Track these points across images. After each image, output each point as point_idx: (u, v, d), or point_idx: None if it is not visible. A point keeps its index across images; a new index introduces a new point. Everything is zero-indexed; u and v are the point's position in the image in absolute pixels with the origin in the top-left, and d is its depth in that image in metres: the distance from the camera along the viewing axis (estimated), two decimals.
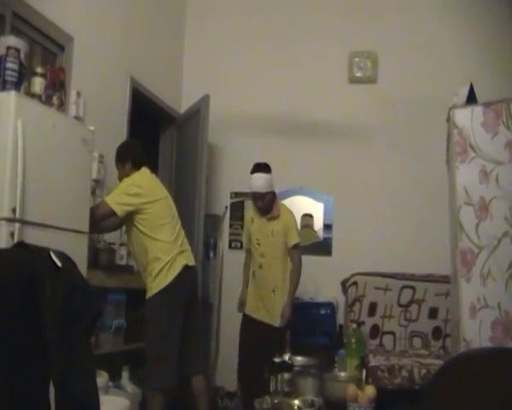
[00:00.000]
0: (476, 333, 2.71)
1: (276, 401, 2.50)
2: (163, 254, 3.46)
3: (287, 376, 2.69)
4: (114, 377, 3.59)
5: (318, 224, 5.30)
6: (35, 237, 2.52)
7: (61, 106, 3.13)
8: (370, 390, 2.42)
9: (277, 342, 3.79)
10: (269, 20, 5.56)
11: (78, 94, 3.77)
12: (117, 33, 4.43)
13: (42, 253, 1.57)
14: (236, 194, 5.44)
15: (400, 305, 4.75)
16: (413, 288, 4.75)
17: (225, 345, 5.20)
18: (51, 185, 2.84)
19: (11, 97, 2.62)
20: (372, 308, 4.75)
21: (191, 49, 5.74)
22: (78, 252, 2.86)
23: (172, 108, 5.41)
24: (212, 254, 5.37)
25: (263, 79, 5.48)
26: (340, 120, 5.37)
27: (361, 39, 5.35)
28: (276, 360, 2.73)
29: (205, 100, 4.92)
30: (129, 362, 3.81)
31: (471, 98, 3.08)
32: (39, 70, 3.03)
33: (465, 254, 2.80)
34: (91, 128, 3.28)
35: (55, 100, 3.05)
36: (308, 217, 5.29)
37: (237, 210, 5.42)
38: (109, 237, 3.94)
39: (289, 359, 2.75)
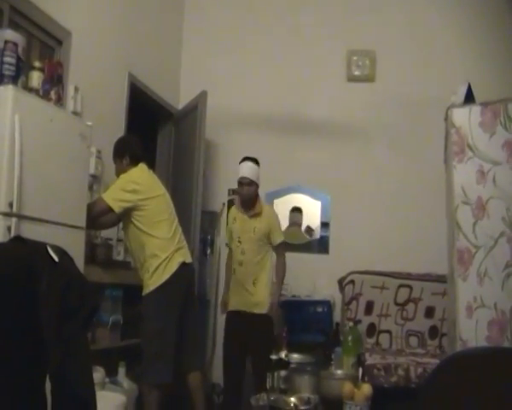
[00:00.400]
0: (472, 332, 2.71)
1: (272, 398, 2.50)
2: (160, 250, 3.46)
3: (283, 373, 2.70)
4: (111, 372, 3.58)
5: (315, 222, 5.30)
6: (32, 232, 2.51)
7: (59, 101, 3.12)
8: (367, 388, 2.43)
9: (261, 332, 3.82)
10: (267, 17, 5.56)
11: (76, 89, 3.76)
12: (115, 29, 4.42)
13: (39, 247, 1.56)
14: (234, 191, 5.41)
15: (397, 304, 4.75)
16: (410, 287, 4.76)
17: (222, 342, 5.18)
18: (48, 180, 2.83)
19: (9, 91, 2.61)
20: (369, 307, 4.76)
21: (189, 45, 5.73)
22: (75, 247, 2.86)
23: (170, 104, 5.40)
24: (209, 251, 5.37)
25: (261, 76, 5.48)
26: (337, 119, 5.38)
27: (359, 38, 5.35)
28: (273, 357, 2.73)
29: (202, 96, 4.92)
30: (125, 358, 3.81)
31: (469, 98, 3.08)
32: (37, 64, 3.02)
33: (462, 254, 2.81)
34: (89, 123, 3.27)
35: (52, 94, 3.04)
36: (297, 212, 5.27)
37: None
38: (106, 232, 3.93)
39: (286, 356, 2.76)
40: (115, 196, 3.43)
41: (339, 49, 5.38)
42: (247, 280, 4.06)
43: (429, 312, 4.67)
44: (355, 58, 5.38)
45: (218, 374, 5.10)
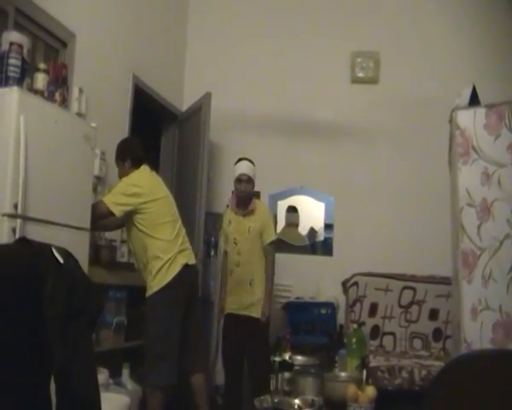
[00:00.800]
0: (477, 335, 2.70)
1: (276, 400, 2.50)
2: (163, 252, 3.46)
3: (287, 375, 2.70)
4: (115, 374, 3.59)
5: (319, 223, 5.30)
6: (37, 233, 2.51)
7: (64, 102, 3.12)
8: (371, 391, 2.43)
9: (257, 335, 3.84)
10: (271, 19, 5.56)
11: (81, 91, 3.76)
12: (119, 30, 4.43)
13: (44, 249, 1.57)
14: None
15: (401, 306, 4.75)
16: (414, 289, 4.75)
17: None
18: (53, 182, 2.83)
19: (14, 93, 2.61)
20: (373, 309, 4.75)
21: (193, 47, 5.74)
22: (80, 248, 2.86)
23: (174, 106, 5.40)
24: (212, 253, 5.35)
25: (265, 77, 5.47)
26: (341, 120, 5.37)
27: (363, 39, 5.35)
28: (277, 359, 2.73)
29: (206, 98, 4.91)
30: (129, 359, 3.81)
31: (474, 100, 3.07)
32: (42, 66, 3.02)
33: (467, 256, 2.80)
34: (93, 125, 3.28)
35: (57, 96, 3.04)
36: (292, 213, 5.27)
37: None
38: (110, 233, 3.94)
39: (290, 358, 2.76)
40: (116, 200, 3.43)
41: (343, 51, 5.37)
42: (244, 280, 4.09)
43: (433, 314, 4.66)
44: (359, 60, 5.38)
45: (221, 376, 5.10)
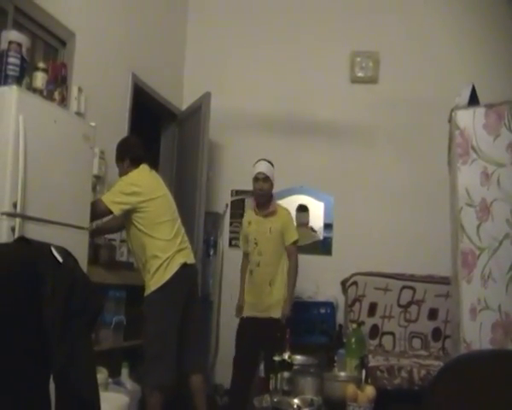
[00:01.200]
0: (476, 335, 2.71)
1: (275, 399, 2.50)
2: (161, 252, 3.46)
3: (286, 375, 2.69)
4: (114, 373, 3.59)
5: (319, 223, 5.30)
6: (36, 233, 2.51)
7: (63, 101, 3.12)
8: (370, 390, 2.42)
9: (275, 337, 3.81)
10: (271, 19, 5.55)
11: (80, 90, 3.76)
12: (119, 29, 4.43)
13: (43, 248, 1.57)
14: (237, 192, 5.43)
15: (400, 305, 4.75)
16: (413, 288, 4.75)
17: (225, 343, 5.19)
18: (52, 181, 2.83)
19: (13, 92, 2.61)
20: (372, 308, 4.75)
21: (193, 46, 5.73)
22: (79, 248, 2.86)
23: (174, 105, 5.40)
24: (212, 252, 5.37)
25: (264, 77, 5.47)
26: (341, 120, 5.37)
27: (363, 39, 5.34)
28: (276, 358, 2.73)
29: (206, 97, 4.91)
30: (128, 359, 3.81)
31: (473, 100, 3.08)
32: (41, 65, 3.02)
33: (466, 256, 2.80)
34: (92, 124, 3.27)
35: (56, 95, 3.04)
36: (303, 212, 5.27)
37: (238, 208, 5.41)
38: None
39: (289, 358, 2.75)
40: (115, 199, 3.43)
41: (342, 51, 5.37)
42: (264, 281, 4.09)
43: (432, 314, 4.67)
44: (358, 59, 5.37)
45: (220, 375, 5.11)
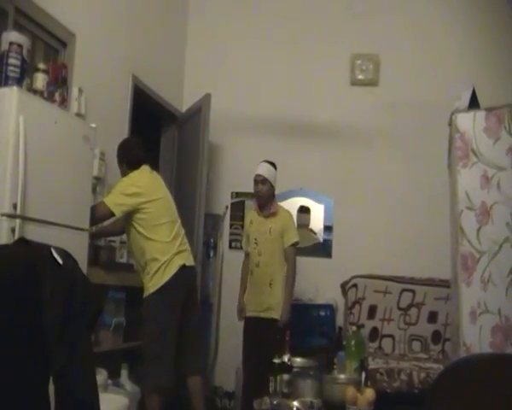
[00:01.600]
0: (476, 338, 2.70)
1: (275, 402, 2.50)
2: (160, 254, 3.46)
3: (286, 377, 2.69)
4: (113, 375, 3.59)
5: (318, 225, 5.30)
6: (36, 234, 2.51)
7: (63, 102, 3.12)
8: (369, 393, 2.42)
9: (275, 338, 3.81)
10: (271, 21, 5.55)
11: (80, 91, 3.75)
12: (119, 31, 4.43)
13: (43, 250, 1.57)
14: (237, 194, 5.44)
15: (400, 308, 4.75)
16: (413, 291, 4.75)
17: (224, 345, 5.20)
18: (52, 182, 2.83)
19: (13, 93, 2.61)
20: (371, 311, 4.75)
21: (193, 47, 5.73)
22: (79, 249, 2.86)
23: (174, 107, 5.40)
24: (212, 254, 5.36)
25: (265, 79, 5.48)
26: (341, 122, 5.37)
27: (363, 42, 5.34)
28: (276, 361, 2.72)
29: (206, 99, 4.91)
30: (128, 360, 3.81)
31: (473, 103, 3.08)
32: (41, 66, 3.02)
33: (466, 259, 2.80)
34: (93, 125, 3.27)
35: (57, 96, 3.05)
36: (304, 213, 5.26)
37: (238, 210, 5.42)
38: None
39: (289, 360, 2.75)
40: (116, 201, 3.44)
41: (342, 53, 5.37)
42: (263, 281, 4.09)
43: (432, 316, 4.66)
44: (359, 62, 5.37)
45: (220, 377, 5.11)
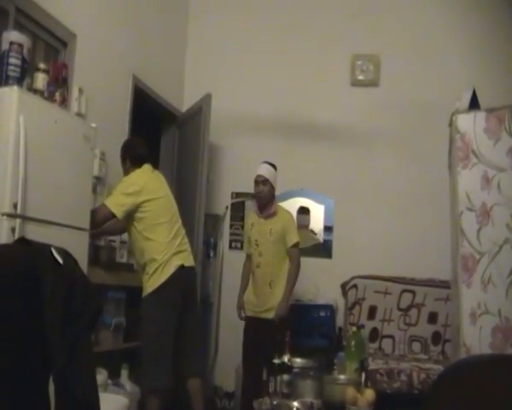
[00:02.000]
0: (476, 339, 2.70)
1: (275, 402, 2.50)
2: (158, 254, 3.46)
3: (286, 377, 2.69)
4: (113, 375, 3.58)
5: (319, 226, 5.29)
6: (36, 233, 2.51)
7: (64, 102, 3.12)
8: (369, 394, 2.42)
9: (272, 338, 3.81)
10: (271, 21, 5.55)
11: (81, 91, 3.76)
12: (119, 31, 4.43)
13: (43, 249, 1.56)
14: (237, 194, 5.43)
15: (400, 309, 4.74)
16: (413, 292, 4.75)
17: (224, 345, 5.19)
18: (53, 182, 2.83)
19: (13, 93, 2.61)
20: (372, 312, 4.75)
21: (193, 47, 5.73)
22: (79, 249, 2.86)
23: (174, 107, 5.40)
24: (212, 254, 5.36)
25: (265, 79, 5.47)
26: (341, 123, 5.37)
27: (363, 42, 5.34)
28: (276, 361, 2.72)
29: (207, 99, 4.91)
30: (128, 360, 3.81)
31: (474, 104, 3.08)
32: (42, 66, 3.02)
33: (466, 260, 2.80)
34: (93, 125, 3.27)
35: (57, 96, 3.04)
36: (304, 214, 5.26)
37: (238, 210, 5.42)
38: None
39: (289, 360, 2.75)
40: (117, 202, 3.44)
41: (343, 54, 5.37)
42: (264, 282, 4.11)
43: (432, 317, 4.66)
44: (359, 62, 5.37)
45: (220, 377, 5.11)
